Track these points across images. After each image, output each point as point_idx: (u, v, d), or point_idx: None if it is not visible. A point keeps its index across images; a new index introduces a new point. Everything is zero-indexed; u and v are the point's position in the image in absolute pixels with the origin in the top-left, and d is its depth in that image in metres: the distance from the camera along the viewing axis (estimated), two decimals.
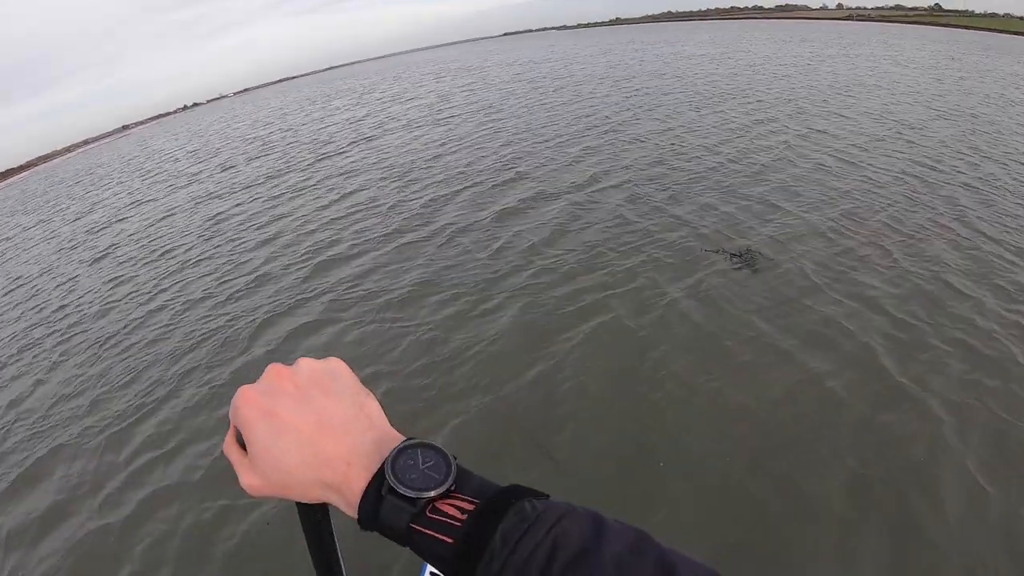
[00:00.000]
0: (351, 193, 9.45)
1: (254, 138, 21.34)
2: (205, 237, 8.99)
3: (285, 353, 5.01)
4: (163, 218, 11.26)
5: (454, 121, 14.64)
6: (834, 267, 4.99)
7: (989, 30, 50.92)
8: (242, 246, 8.06)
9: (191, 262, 7.94)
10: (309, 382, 0.45)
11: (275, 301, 5.98)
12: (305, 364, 0.48)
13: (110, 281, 8.08)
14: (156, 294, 7.05)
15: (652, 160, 8.50)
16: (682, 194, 7.02)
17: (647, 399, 3.67)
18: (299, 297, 5.95)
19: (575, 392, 3.80)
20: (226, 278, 6.98)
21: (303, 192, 10.36)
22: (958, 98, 12.21)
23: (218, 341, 5.43)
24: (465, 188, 8.40)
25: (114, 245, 10.17)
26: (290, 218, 8.84)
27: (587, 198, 7.19)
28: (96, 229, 12.11)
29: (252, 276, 6.80)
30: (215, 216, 10.15)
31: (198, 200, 12.06)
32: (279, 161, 14.23)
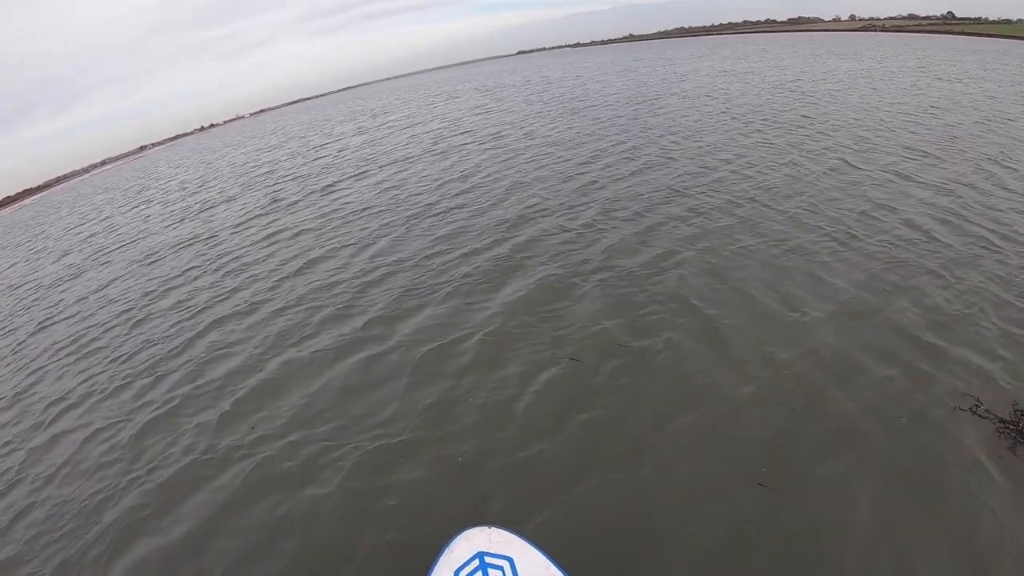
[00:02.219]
0: (315, 260, 7.35)
1: (243, 172, 19.58)
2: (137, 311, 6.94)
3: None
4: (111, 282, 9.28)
5: (466, 160, 12.57)
6: None
7: (1005, 36, 48.13)
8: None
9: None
10: None
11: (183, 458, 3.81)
12: None
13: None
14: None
15: (734, 223, 6.19)
16: (810, 283, 4.72)
17: None
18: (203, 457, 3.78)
19: None
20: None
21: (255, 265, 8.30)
22: None
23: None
24: (467, 282, 6.22)
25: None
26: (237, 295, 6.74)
27: (653, 301, 4.89)
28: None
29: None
30: (156, 288, 8.12)
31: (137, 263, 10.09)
32: (260, 201, 12.30)
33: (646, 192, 7.70)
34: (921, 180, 7.06)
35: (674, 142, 10.52)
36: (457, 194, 9.18)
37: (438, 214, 8.27)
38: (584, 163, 9.78)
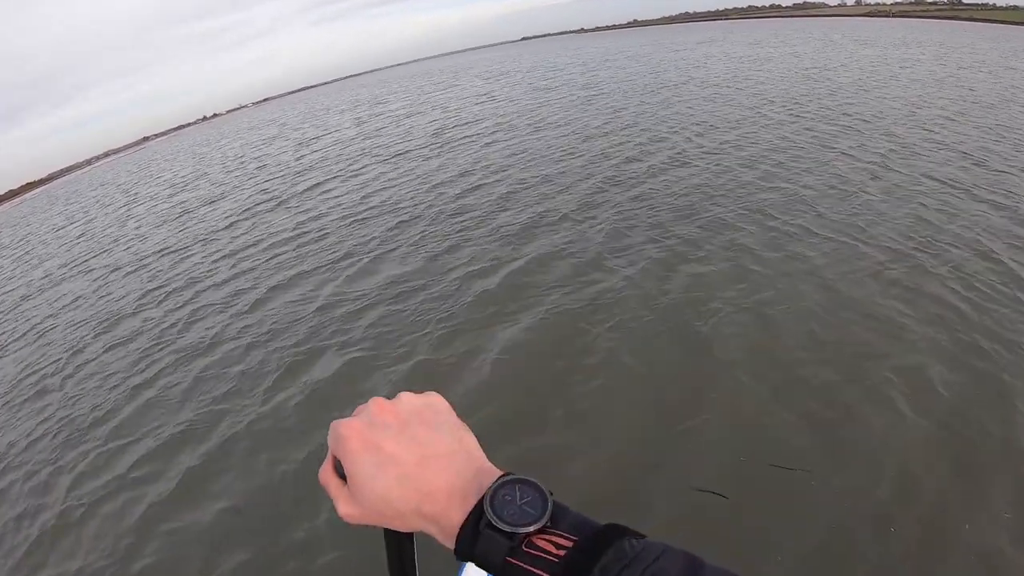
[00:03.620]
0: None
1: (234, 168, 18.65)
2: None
3: None
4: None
5: (468, 155, 11.54)
6: None
7: (1014, 23, 46.35)
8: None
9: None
10: (411, 415, 0.45)
11: None
12: (406, 398, 0.47)
13: None
14: None
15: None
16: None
17: None
18: None
19: None
20: None
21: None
22: None
23: None
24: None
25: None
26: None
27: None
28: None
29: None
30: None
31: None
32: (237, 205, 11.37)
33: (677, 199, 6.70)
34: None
35: (693, 138, 9.45)
36: (455, 199, 8.19)
37: (435, 222, 7.30)
38: (602, 159, 8.75)
